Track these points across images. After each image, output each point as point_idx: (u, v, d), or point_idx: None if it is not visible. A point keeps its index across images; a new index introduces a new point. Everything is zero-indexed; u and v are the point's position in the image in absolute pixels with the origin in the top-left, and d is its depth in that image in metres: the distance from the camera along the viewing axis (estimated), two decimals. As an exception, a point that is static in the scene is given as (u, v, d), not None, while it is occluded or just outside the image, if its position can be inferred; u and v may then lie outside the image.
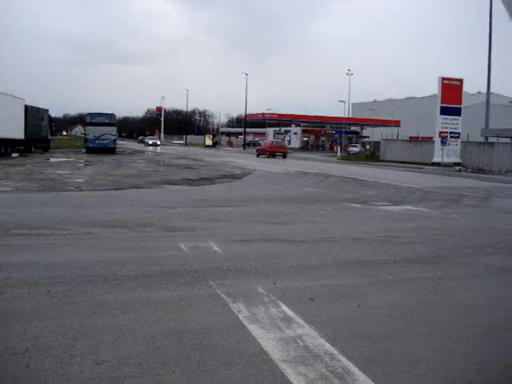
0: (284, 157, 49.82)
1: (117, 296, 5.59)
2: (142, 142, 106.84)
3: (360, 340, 4.57)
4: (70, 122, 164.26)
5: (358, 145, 70.18)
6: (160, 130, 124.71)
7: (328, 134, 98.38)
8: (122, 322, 4.81)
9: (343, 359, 4.12)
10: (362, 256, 8.03)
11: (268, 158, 49.01)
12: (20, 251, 7.62)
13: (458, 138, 46.03)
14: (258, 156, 52.31)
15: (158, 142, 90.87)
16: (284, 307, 5.34)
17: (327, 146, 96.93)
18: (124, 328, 4.66)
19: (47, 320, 4.80)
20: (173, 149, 73.94)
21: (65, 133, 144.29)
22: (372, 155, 60.83)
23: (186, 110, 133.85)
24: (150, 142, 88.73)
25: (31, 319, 4.81)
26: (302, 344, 4.42)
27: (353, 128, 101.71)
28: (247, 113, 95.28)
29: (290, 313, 5.18)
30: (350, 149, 70.16)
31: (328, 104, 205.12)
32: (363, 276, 6.87)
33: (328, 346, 4.37)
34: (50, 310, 5.07)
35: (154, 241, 8.82)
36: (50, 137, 49.19)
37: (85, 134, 48.96)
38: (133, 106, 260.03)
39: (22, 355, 4.03)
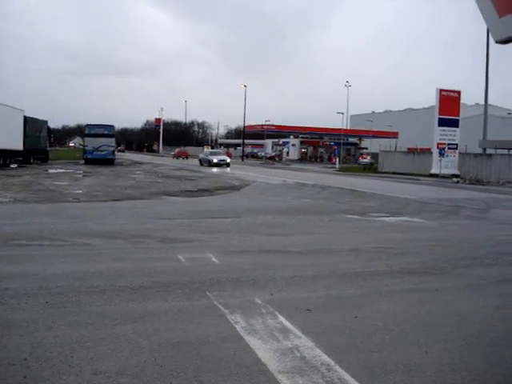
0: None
1: (114, 307, 5.61)
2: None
3: (357, 351, 4.59)
4: (68, 133, 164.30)
5: (369, 156, 70.73)
6: (159, 142, 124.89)
7: (326, 146, 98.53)
8: (120, 332, 4.83)
9: (340, 370, 4.14)
10: (359, 267, 8.05)
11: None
12: (19, 262, 7.64)
13: (456, 149, 46.22)
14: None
15: (228, 160, 52.97)
16: (281, 318, 5.36)
17: (325, 157, 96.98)
18: (121, 339, 4.67)
19: (45, 330, 4.82)
20: (172, 160, 73.95)
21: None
22: (370, 167, 60.98)
23: (184, 121, 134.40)
24: (215, 161, 51.74)
25: (29, 329, 4.82)
26: (298, 355, 4.43)
27: (351, 139, 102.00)
28: (246, 124, 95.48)
29: (287, 324, 5.20)
30: (361, 160, 70.69)
31: (327, 116, 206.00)
32: (360, 287, 6.89)
33: (325, 357, 4.39)
34: (48, 321, 5.09)
35: (152, 252, 8.83)
36: (48, 148, 49.23)
37: (83, 146, 49.00)
38: (132, 117, 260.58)
39: (20, 365, 4.04)
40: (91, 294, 6.02)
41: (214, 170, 44.50)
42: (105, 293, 6.11)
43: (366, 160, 69.72)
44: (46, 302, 5.66)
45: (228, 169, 46.13)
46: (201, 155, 59.55)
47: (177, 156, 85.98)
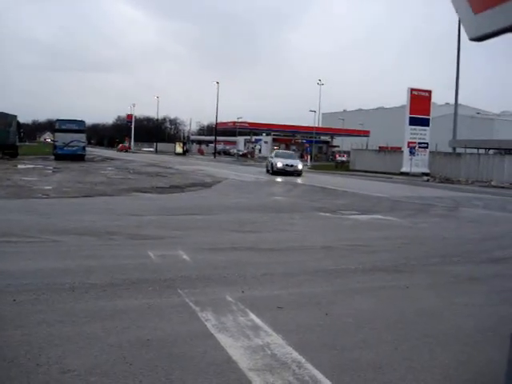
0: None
1: (83, 305, 5.53)
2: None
3: (327, 348, 4.60)
4: (39, 128, 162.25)
5: (345, 155, 71.27)
6: (130, 138, 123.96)
7: (298, 144, 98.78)
8: (89, 330, 4.76)
9: (310, 367, 4.13)
10: (331, 264, 8.07)
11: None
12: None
13: (427, 148, 46.67)
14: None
15: (300, 166, 37.77)
16: (252, 316, 5.34)
17: (297, 155, 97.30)
18: (90, 337, 4.60)
19: (13, 329, 4.72)
20: (143, 156, 73.46)
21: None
22: (342, 165, 61.28)
23: (156, 117, 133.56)
24: (279, 165, 37.03)
25: (-6, 328, 4.74)
26: (269, 352, 4.42)
27: (323, 137, 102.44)
28: (218, 121, 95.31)
29: (258, 321, 5.18)
30: (338, 158, 71.18)
31: (299, 114, 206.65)
32: (332, 284, 6.91)
33: (295, 355, 4.38)
34: (16, 319, 4.99)
35: (123, 249, 8.75)
36: (18, 143, 48.52)
37: (54, 141, 48.38)
38: (104, 113, 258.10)
39: (-14, 365, 3.96)
40: (60, 292, 5.92)
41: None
42: (74, 290, 6.02)
43: (342, 158, 70.22)
44: (14, 300, 5.55)
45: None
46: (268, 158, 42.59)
47: (119, 150, 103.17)
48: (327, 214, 14.83)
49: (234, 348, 4.48)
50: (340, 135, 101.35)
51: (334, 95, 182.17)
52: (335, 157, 76.52)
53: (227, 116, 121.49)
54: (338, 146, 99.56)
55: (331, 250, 9.41)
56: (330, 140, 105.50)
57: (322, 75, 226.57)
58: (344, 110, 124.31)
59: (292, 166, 36.73)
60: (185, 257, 8.03)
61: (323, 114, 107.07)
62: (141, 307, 5.51)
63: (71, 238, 9.39)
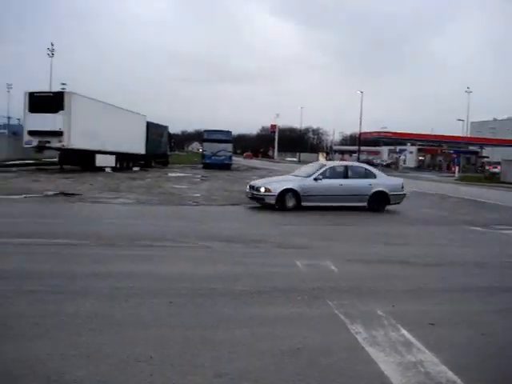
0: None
1: (233, 310, 5.68)
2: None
3: (485, 370, 4.37)
4: (187, 138, 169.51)
5: (499, 166, 67.97)
6: (274, 148, 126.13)
7: (445, 154, 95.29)
8: (240, 336, 4.88)
9: (468, 389, 3.95)
10: (484, 282, 7.70)
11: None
12: (143, 262, 7.96)
13: None
14: None
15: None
16: (403, 331, 5.20)
17: (444, 165, 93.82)
18: (242, 342, 4.71)
19: (170, 330, 4.96)
20: (286, 166, 74.39)
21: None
22: (492, 176, 58.26)
23: (299, 127, 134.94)
24: None
25: (153, 327, 5.00)
26: (422, 370, 4.28)
27: (471, 148, 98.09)
28: (362, 131, 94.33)
29: (410, 337, 5.03)
30: (491, 169, 68.15)
31: (445, 123, 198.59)
32: (486, 303, 6.56)
33: (450, 374, 4.21)
34: (172, 320, 5.24)
35: (269, 257, 8.92)
36: (169, 152, 51.02)
37: (202, 150, 50.38)
38: (247, 123, 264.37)
39: (146, 363, 4.18)
40: (212, 297, 6.13)
41: None
42: (224, 296, 6.20)
43: (496, 170, 66.91)
44: (170, 302, 5.83)
45: None
46: None
47: (245, 157, 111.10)
48: (479, 228, 14.14)
49: (386, 363, 4.39)
50: (490, 145, 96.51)
51: (482, 103, 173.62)
52: (484, 168, 73.06)
53: (370, 125, 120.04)
54: (488, 157, 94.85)
55: (484, 266, 8.94)
56: (479, 150, 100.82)
57: (469, 82, 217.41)
58: (494, 119, 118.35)
59: None
60: (332, 267, 8.01)
61: (472, 122, 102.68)
62: (291, 316, 5.55)
63: (221, 245, 9.72)
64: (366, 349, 4.69)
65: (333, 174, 17.35)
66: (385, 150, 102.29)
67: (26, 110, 29.88)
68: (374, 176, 17.64)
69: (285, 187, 16.28)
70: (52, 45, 64.53)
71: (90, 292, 6.12)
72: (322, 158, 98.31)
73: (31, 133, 29.70)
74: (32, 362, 4.11)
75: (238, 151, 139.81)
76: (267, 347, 4.61)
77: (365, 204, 16.98)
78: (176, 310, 5.57)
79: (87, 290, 6.19)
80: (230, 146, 48.65)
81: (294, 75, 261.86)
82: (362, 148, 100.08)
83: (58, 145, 29.80)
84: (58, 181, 23.60)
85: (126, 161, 36.95)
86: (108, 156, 33.85)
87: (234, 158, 55.76)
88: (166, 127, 49.31)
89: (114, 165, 34.70)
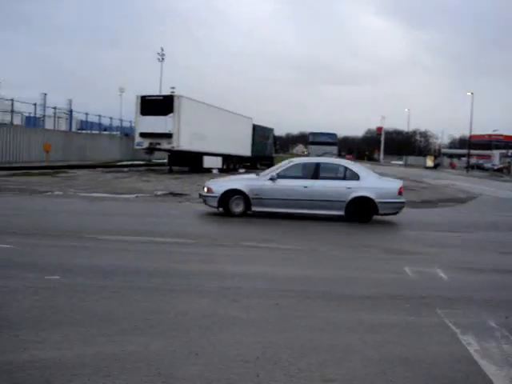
0: None
1: (341, 315, 5.64)
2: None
3: None
4: (292, 140, 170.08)
5: None
6: (380, 150, 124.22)
7: None
8: (348, 341, 4.82)
9: None
10: None
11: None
12: (250, 262, 8.20)
13: None
14: None
15: None
16: (518, 344, 4.95)
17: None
18: (349, 348, 4.66)
19: (276, 331, 4.99)
20: (392, 169, 73.04)
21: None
22: None
23: (406, 130, 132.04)
24: None
25: (261, 328, 5.05)
26: (538, 387, 4.06)
27: None
28: (472, 134, 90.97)
29: (525, 351, 4.79)
30: None
31: None
32: None
33: None
34: (279, 322, 5.27)
35: (378, 262, 8.80)
36: (274, 154, 51.44)
37: (307, 153, 50.46)
38: (352, 125, 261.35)
39: (252, 363, 4.22)
40: (319, 300, 6.12)
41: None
42: (332, 300, 6.19)
43: None
44: (277, 304, 5.87)
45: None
46: None
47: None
48: None
49: (498, 377, 4.20)
50: None
51: None
52: None
53: (481, 128, 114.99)
54: None
55: None
56: None
57: None
58: None
59: None
60: (442, 275, 7.77)
61: None
62: (399, 323, 5.43)
63: (329, 248, 9.76)
64: (477, 361, 4.50)
65: (296, 172, 13.97)
66: (496, 153, 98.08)
67: (138, 113, 31.14)
68: (356, 177, 13.63)
69: (229, 187, 13.40)
70: (162, 49, 66.92)
71: (199, 291, 6.28)
72: (429, 162, 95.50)
73: (142, 135, 30.94)
74: (145, 356, 4.26)
75: (343, 153, 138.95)
76: (375, 354, 4.53)
77: (341, 213, 13.29)
78: (282, 313, 5.60)
79: (196, 289, 6.36)
80: (335, 149, 48.56)
81: (400, 77, 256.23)
82: (472, 151, 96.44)
83: (167, 146, 30.84)
84: (166, 181, 24.52)
85: (232, 162, 37.69)
86: (215, 158, 34.64)
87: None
88: (271, 129, 49.78)
89: (220, 166, 35.48)
